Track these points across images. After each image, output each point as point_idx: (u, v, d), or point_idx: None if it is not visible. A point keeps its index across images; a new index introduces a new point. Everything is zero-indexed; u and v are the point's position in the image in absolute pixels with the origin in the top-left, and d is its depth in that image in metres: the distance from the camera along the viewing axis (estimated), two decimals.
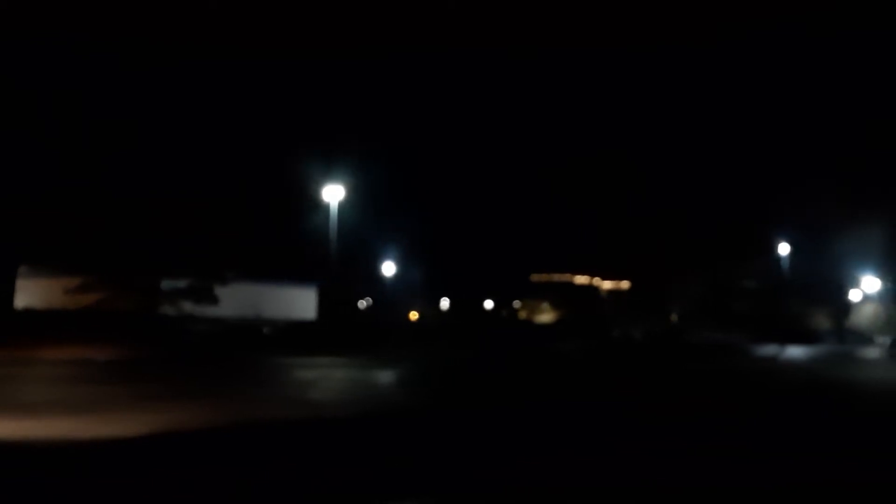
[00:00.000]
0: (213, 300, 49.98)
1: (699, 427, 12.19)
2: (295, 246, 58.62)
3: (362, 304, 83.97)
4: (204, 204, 50.23)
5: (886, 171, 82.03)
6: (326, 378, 19.49)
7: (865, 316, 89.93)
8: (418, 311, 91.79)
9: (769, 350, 50.72)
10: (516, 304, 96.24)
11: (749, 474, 8.13)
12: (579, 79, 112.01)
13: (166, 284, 49.93)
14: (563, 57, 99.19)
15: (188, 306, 49.55)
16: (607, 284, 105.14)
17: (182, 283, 49.43)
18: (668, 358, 38.38)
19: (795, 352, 49.76)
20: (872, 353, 52.95)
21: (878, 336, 78.68)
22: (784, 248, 71.95)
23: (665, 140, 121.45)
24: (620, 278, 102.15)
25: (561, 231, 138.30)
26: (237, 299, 51.84)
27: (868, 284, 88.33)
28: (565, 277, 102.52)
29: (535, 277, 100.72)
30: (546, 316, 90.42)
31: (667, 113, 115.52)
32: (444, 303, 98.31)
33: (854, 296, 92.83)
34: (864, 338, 76.29)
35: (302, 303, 60.72)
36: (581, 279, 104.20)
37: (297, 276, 60.40)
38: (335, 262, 49.27)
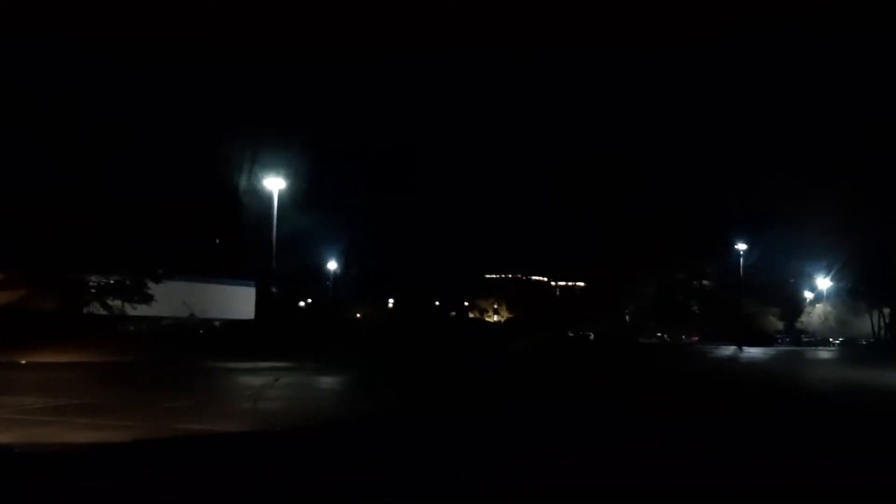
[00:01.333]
0: (146, 298, 46.20)
1: (677, 428, 11.57)
2: (233, 242, 55.32)
3: (303, 303, 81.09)
4: (136, 198, 46.69)
5: (843, 171, 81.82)
6: (275, 385, 16.65)
7: (816, 316, 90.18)
8: (363, 311, 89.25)
9: (727, 351, 49.63)
10: (466, 303, 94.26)
11: (731, 475, 7.71)
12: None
13: (94, 281, 46.17)
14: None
15: (119, 305, 45.90)
16: (561, 284, 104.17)
17: (111, 280, 45.62)
18: (627, 358, 36.70)
19: (753, 353, 48.59)
20: (826, 353, 52.04)
21: (830, 337, 78.94)
22: (739, 249, 71.15)
23: (631, 141, 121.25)
24: (574, 278, 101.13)
25: (513, 230, 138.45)
26: (171, 298, 48.25)
27: (820, 285, 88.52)
28: (517, 276, 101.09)
29: (486, 276, 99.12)
30: (497, 315, 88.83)
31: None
32: (391, 302, 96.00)
33: (806, 296, 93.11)
34: (817, 339, 76.44)
35: (240, 302, 57.47)
36: (533, 278, 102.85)
37: (235, 273, 57.19)
38: (276, 259, 46.16)
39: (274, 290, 53.11)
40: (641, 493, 6.92)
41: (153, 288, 45.87)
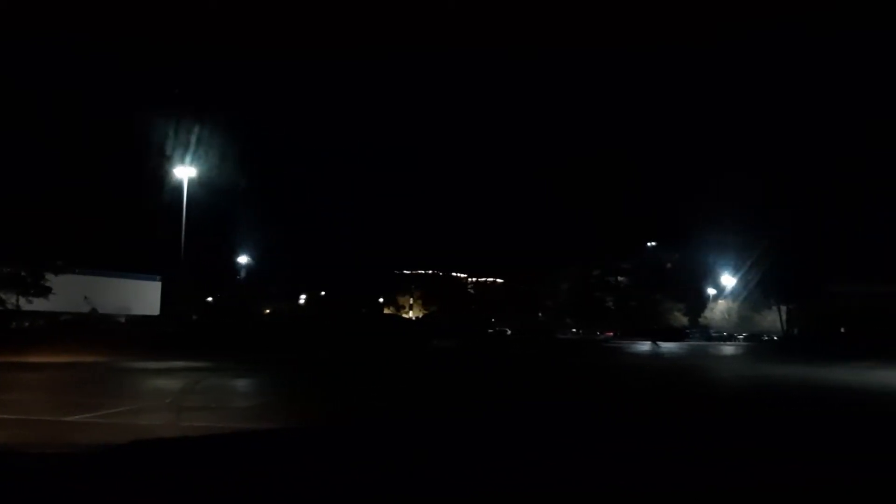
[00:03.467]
0: (43, 291, 43.05)
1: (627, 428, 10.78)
2: (139, 234, 52.53)
3: (211, 298, 78.14)
4: (33, 187, 43.52)
5: (751, 171, 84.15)
6: (196, 389, 15.06)
7: (719, 312, 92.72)
8: (273, 306, 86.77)
9: (644, 346, 49.95)
10: (381, 298, 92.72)
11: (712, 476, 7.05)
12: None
13: None
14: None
15: (13, 299, 42.63)
16: (478, 280, 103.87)
17: (5, 270, 42.21)
18: (551, 354, 36.26)
19: (670, 347, 49.09)
20: (740, 348, 53.14)
21: (734, 332, 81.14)
22: (652, 246, 72.48)
23: (558, 139, 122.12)
24: (492, 274, 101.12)
25: (429, 225, 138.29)
26: (71, 292, 45.29)
27: (724, 282, 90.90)
28: (434, 272, 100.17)
29: (402, 272, 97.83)
30: (413, 311, 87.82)
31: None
32: (302, 297, 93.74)
33: (710, 293, 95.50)
34: (724, 334, 78.41)
35: (145, 297, 54.69)
36: (451, 274, 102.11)
37: (140, 267, 54.36)
38: (184, 252, 43.88)
39: (182, 284, 50.62)
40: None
41: (52, 280, 42.91)
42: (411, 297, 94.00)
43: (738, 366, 29.31)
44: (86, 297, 46.52)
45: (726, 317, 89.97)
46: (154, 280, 55.96)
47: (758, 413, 12.86)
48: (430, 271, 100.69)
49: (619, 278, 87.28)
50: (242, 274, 71.22)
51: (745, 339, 75.52)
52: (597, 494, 6.21)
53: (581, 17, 77.48)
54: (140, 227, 50.08)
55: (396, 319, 66.33)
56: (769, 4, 65.36)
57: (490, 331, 68.75)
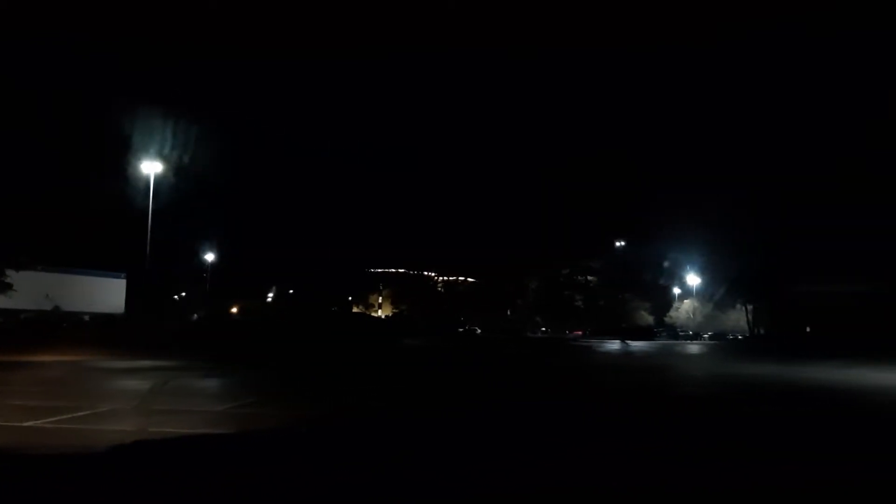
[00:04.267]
0: (3, 288, 42.05)
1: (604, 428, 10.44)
2: (104, 231, 51.52)
3: (177, 297, 77.02)
4: None
5: (717, 172, 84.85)
6: (164, 390, 14.60)
7: (684, 311, 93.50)
8: (241, 304, 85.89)
9: (615, 345, 50.09)
10: (350, 297, 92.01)
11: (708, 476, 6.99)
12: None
13: None
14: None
15: None
16: (448, 279, 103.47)
17: None
18: (524, 354, 36.11)
19: (641, 346, 49.25)
20: (710, 347, 53.46)
21: (699, 331, 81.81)
22: (621, 246, 72.79)
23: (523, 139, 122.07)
24: (462, 273, 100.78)
25: (400, 224, 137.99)
26: (33, 289, 44.26)
27: (689, 281, 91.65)
28: (404, 271, 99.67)
29: (372, 270, 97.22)
30: (383, 310, 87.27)
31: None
32: (270, 295, 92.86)
33: (675, 292, 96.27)
34: (690, 333, 79.04)
35: (110, 294, 53.65)
36: (421, 273, 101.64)
37: (105, 265, 53.34)
38: (150, 249, 43.09)
39: (148, 282, 49.74)
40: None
41: (13, 277, 41.89)
42: (381, 295, 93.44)
43: (713, 365, 29.31)
44: (48, 295, 45.50)
45: (691, 316, 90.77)
46: (119, 277, 54.95)
47: (745, 413, 12.73)
48: (401, 270, 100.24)
49: (589, 277, 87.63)
50: (209, 271, 70.28)
51: (711, 337, 76.20)
52: (585, 495, 6.06)
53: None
54: (106, 224, 49.13)
55: (366, 318, 65.86)
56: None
57: (460, 329, 68.63)
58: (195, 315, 60.53)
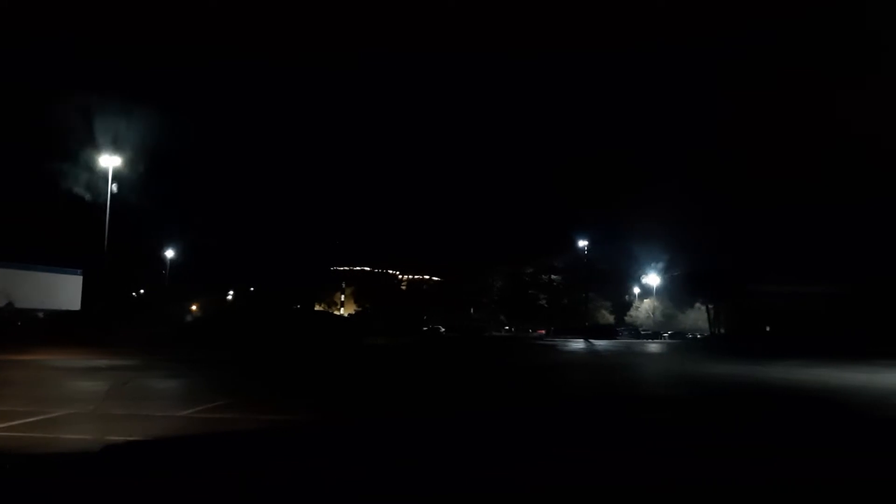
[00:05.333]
0: None
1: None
2: (59, 224, 50.26)
3: (135, 294, 75.54)
4: None
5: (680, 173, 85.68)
6: (125, 390, 14.02)
7: (644, 311, 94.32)
8: (201, 302, 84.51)
9: (580, 344, 50.11)
10: (312, 295, 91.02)
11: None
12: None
13: None
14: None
15: None
16: (411, 277, 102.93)
17: None
18: (490, 354, 35.91)
19: (605, 345, 49.36)
20: (664, 347, 53.75)
21: (659, 330, 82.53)
22: (583, 245, 72.93)
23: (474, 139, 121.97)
24: (426, 272, 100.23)
25: (362, 222, 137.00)
26: None
27: (649, 281, 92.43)
28: (367, 269, 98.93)
29: (334, 268, 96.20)
30: (346, 308, 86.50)
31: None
32: (230, 293, 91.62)
33: (635, 291, 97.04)
34: (651, 332, 79.64)
35: (65, 290, 52.21)
36: (384, 271, 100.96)
37: (59, 258, 51.94)
38: (108, 245, 42.12)
39: (106, 278, 48.60)
40: None
41: None
42: (343, 293, 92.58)
43: (681, 364, 29.37)
44: (0, 290, 44.14)
45: (650, 315, 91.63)
46: (75, 274, 53.56)
47: (725, 412, 12.67)
48: (363, 268, 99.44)
49: (553, 277, 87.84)
50: (169, 267, 69.01)
51: (671, 336, 76.79)
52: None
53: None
54: (62, 220, 48.00)
55: (329, 316, 65.15)
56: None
57: (424, 328, 68.29)
58: (156, 312, 59.37)
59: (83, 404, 12.02)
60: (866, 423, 11.99)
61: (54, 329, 38.06)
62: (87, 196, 42.89)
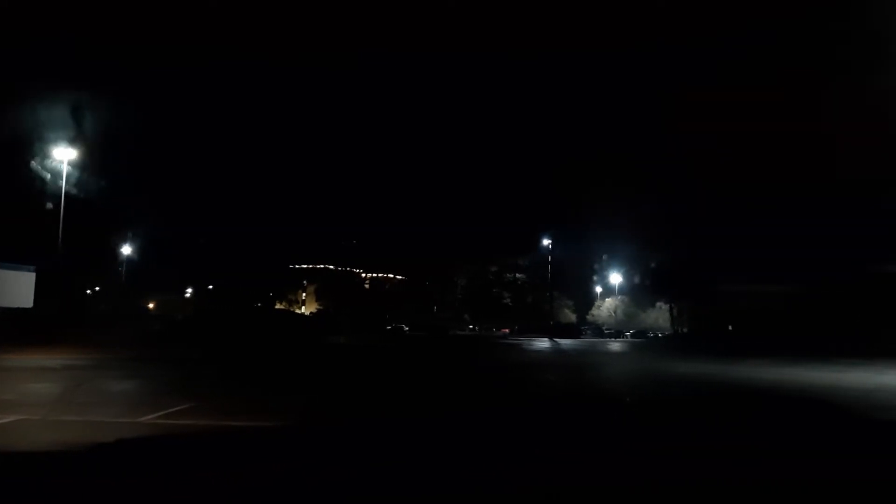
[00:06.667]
0: None
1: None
2: (11, 220, 48.66)
3: (90, 291, 73.80)
4: None
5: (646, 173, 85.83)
6: (79, 391, 13.27)
7: (605, 310, 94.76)
8: (158, 300, 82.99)
9: (545, 343, 49.93)
10: (272, 293, 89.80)
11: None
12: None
13: None
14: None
15: None
16: (374, 276, 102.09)
17: None
18: (457, 353, 35.55)
19: (572, 344, 49.25)
20: (629, 346, 53.82)
21: (623, 329, 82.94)
22: (547, 244, 72.95)
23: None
24: (390, 270, 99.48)
25: (324, 219, 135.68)
26: None
27: (611, 280, 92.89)
28: (328, 267, 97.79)
29: (294, 266, 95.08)
30: (307, 307, 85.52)
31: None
32: (188, 291, 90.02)
33: (597, 290, 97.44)
34: (614, 331, 79.98)
35: (17, 288, 50.68)
36: (346, 269, 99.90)
37: (11, 255, 50.42)
38: (62, 241, 40.89)
39: (60, 275, 47.25)
40: None
41: None
42: (304, 291, 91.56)
43: (650, 364, 29.31)
44: None
45: (612, 314, 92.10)
46: (28, 271, 52.04)
47: (705, 412, 12.38)
48: (324, 266, 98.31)
49: (518, 275, 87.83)
50: (126, 265, 67.48)
51: (633, 335, 77.14)
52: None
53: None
54: (14, 216, 46.53)
55: (291, 315, 64.18)
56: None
57: (388, 327, 67.68)
58: (112, 310, 57.97)
59: (34, 408, 11.15)
60: (848, 423, 11.81)
61: (5, 327, 36.78)
62: (42, 190, 41.58)
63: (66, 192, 40.12)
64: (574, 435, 8.89)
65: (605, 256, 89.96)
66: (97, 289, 75.27)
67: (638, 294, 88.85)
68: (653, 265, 76.47)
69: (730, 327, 58.91)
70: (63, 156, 39.89)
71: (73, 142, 40.60)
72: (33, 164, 41.99)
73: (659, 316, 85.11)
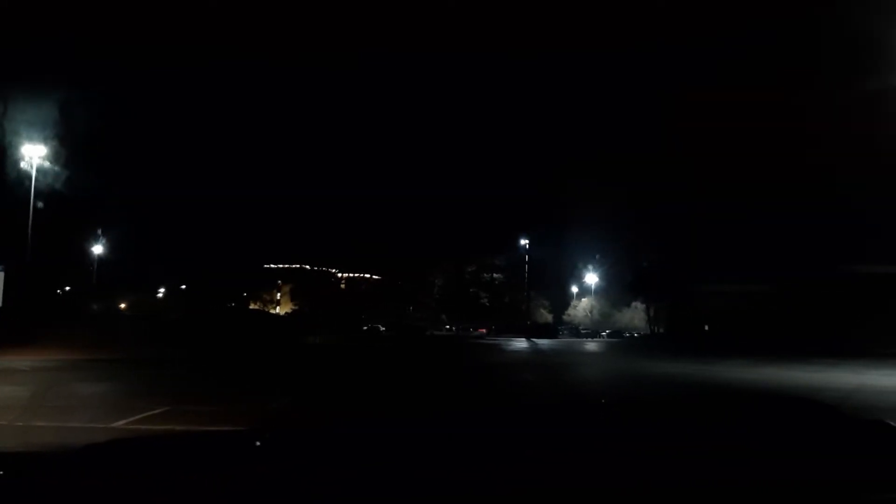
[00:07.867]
0: None
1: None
2: None
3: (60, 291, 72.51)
4: None
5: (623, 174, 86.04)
6: (48, 396, 12.83)
7: (581, 310, 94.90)
8: (130, 300, 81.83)
9: (523, 343, 49.74)
10: (245, 293, 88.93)
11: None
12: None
13: None
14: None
15: None
16: (349, 276, 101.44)
17: None
18: (435, 352, 35.31)
19: (550, 344, 49.11)
20: (607, 346, 53.83)
21: (596, 329, 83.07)
22: (524, 244, 72.86)
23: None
24: (366, 270, 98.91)
25: (299, 219, 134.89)
26: None
27: (587, 280, 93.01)
28: (303, 267, 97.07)
29: (268, 266, 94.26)
30: (281, 307, 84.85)
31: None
32: (161, 291, 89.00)
33: (573, 290, 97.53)
34: (590, 331, 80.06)
35: None
36: (321, 269, 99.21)
37: None
38: (32, 240, 40.08)
39: (30, 274, 46.26)
40: None
41: None
42: (279, 292, 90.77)
43: (628, 363, 29.23)
44: None
45: (588, 314, 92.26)
46: None
47: (691, 412, 12.11)
48: (300, 266, 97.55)
49: (495, 275, 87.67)
50: (96, 265, 66.42)
51: (610, 335, 77.21)
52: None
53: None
54: None
55: (265, 316, 63.60)
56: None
57: (364, 328, 67.19)
58: (84, 311, 56.98)
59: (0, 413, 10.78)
60: (835, 423, 11.67)
61: None
62: (11, 189, 40.69)
63: (35, 191, 39.30)
64: (563, 436, 8.69)
65: (581, 257, 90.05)
66: (67, 288, 74.05)
67: (614, 294, 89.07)
68: (629, 265, 76.61)
69: (706, 327, 59.10)
70: (33, 153, 39.07)
71: (45, 139, 39.77)
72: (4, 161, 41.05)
73: (634, 316, 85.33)
